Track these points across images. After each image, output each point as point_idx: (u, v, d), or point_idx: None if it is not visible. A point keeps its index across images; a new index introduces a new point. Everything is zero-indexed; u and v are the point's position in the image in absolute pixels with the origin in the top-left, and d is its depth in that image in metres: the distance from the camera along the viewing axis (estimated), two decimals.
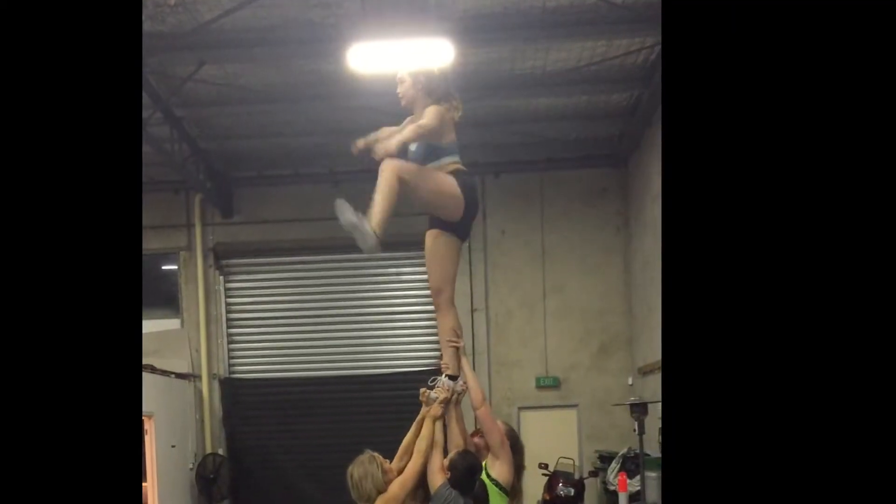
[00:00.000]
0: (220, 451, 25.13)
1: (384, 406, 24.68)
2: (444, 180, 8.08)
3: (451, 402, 8.33)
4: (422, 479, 7.93)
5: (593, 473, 22.54)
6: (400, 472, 7.97)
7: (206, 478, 24.22)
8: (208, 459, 24.53)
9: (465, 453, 8.01)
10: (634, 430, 19.15)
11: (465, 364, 8.50)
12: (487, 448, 8.44)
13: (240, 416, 25.46)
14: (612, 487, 19.87)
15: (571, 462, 22.12)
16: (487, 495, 8.05)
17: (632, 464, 20.11)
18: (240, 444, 25.37)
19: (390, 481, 7.86)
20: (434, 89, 8.31)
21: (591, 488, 22.70)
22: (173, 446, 22.91)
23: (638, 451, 19.25)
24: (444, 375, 8.37)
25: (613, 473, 20.42)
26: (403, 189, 7.75)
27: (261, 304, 25.90)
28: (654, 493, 18.52)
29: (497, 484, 8.19)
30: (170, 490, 22.48)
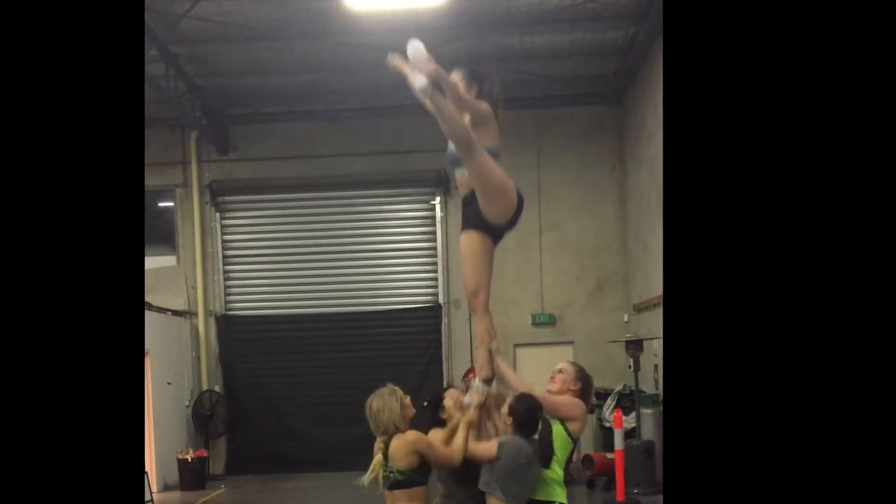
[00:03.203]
0: (217, 389, 25.27)
1: (381, 342, 24.87)
2: (508, 179, 7.91)
3: (485, 405, 8.19)
4: (441, 464, 7.88)
5: (589, 410, 22.64)
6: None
7: (203, 415, 24.38)
8: (204, 397, 24.68)
9: (522, 396, 7.92)
10: (630, 367, 19.31)
11: (502, 364, 8.37)
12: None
13: (236, 354, 25.59)
14: (607, 424, 19.98)
15: None
16: (552, 438, 7.97)
17: (627, 400, 20.22)
18: (236, 381, 25.51)
19: (408, 417, 7.78)
20: (487, 93, 8.23)
21: (587, 425, 22.79)
22: (169, 383, 23.04)
23: (633, 388, 19.38)
24: (477, 379, 8.15)
25: (609, 410, 20.53)
26: (474, 166, 7.68)
27: (257, 240, 25.96)
28: (649, 429, 18.62)
29: (569, 433, 8.14)
30: (166, 427, 22.63)
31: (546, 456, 7.84)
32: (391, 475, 7.66)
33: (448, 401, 8.26)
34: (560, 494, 8.08)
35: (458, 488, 8.03)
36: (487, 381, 8.04)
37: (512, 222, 8.13)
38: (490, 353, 8.12)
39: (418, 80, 7.22)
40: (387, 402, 7.77)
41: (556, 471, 8.05)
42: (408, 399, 7.91)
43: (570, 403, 8.25)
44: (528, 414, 7.78)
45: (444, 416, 8.21)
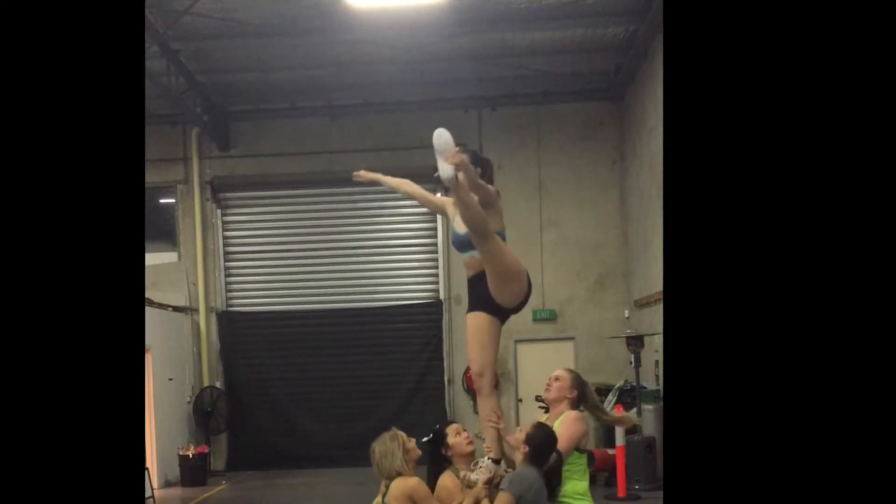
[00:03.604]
0: (218, 385, 25.30)
1: (382, 339, 24.87)
2: (520, 263, 8.07)
3: (493, 483, 8.10)
4: None
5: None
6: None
7: (204, 411, 24.40)
8: (206, 392, 24.71)
9: (540, 425, 7.87)
10: (631, 363, 19.31)
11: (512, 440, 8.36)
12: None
13: (237, 350, 25.63)
14: None
15: None
16: (561, 467, 7.94)
17: (628, 396, 20.22)
18: (237, 377, 25.55)
19: (412, 460, 7.76)
20: (489, 177, 8.28)
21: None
22: (171, 379, 23.06)
23: (634, 384, 19.40)
24: (486, 458, 8.03)
25: (610, 406, 20.51)
26: (488, 251, 7.77)
27: (258, 237, 25.97)
28: (650, 425, 18.64)
29: (579, 448, 8.13)
30: (167, 423, 22.65)
31: (552, 488, 7.79)
32: None
33: (451, 437, 8.14)
34: None
35: None
36: (496, 461, 7.99)
37: (520, 306, 8.18)
38: (499, 432, 8.07)
39: (446, 170, 7.25)
40: (388, 447, 7.73)
41: (578, 485, 8.03)
42: (412, 442, 7.84)
43: (572, 428, 8.16)
44: (545, 444, 7.69)
45: (447, 453, 8.09)
